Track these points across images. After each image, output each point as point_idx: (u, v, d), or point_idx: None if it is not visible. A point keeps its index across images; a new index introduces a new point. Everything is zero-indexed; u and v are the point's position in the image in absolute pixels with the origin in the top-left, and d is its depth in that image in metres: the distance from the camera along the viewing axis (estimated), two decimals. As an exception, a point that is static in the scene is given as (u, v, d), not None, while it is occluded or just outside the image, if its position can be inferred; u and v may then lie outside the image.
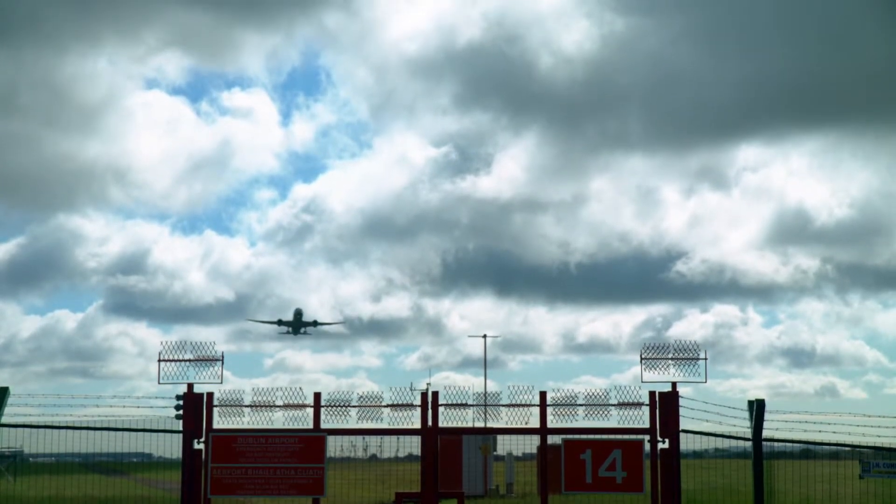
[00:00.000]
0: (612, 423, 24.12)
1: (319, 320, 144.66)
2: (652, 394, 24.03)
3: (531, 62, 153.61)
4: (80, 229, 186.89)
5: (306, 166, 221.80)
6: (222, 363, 24.67)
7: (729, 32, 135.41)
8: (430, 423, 24.35)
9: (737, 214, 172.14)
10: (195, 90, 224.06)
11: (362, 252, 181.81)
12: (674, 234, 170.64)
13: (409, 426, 24.53)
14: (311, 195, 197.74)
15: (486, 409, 24.86)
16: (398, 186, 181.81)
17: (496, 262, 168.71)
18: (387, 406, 24.53)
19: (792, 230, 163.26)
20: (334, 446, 26.13)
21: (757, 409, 24.88)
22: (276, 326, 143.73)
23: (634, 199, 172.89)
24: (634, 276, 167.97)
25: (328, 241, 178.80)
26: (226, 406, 24.64)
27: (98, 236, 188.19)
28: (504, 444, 38.54)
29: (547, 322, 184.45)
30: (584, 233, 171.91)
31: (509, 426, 24.47)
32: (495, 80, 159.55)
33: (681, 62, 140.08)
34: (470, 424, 25.61)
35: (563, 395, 24.33)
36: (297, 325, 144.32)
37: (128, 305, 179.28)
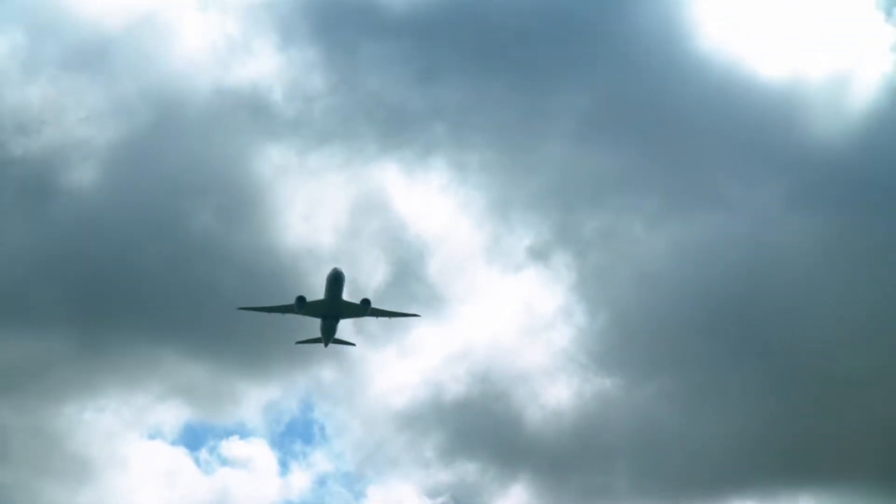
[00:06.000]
0: None
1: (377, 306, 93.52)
2: None
3: (517, 416, 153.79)
4: None
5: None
6: None
7: (713, 391, 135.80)
8: None
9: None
10: (195, 440, 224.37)
11: None
12: None
13: None
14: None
15: None
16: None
17: None
18: None
19: None
20: None
21: None
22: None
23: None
24: None
25: None
26: None
27: None
28: None
29: None
30: None
31: None
32: (482, 433, 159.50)
33: (667, 419, 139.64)
34: None
35: None
36: (332, 315, 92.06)
37: None
